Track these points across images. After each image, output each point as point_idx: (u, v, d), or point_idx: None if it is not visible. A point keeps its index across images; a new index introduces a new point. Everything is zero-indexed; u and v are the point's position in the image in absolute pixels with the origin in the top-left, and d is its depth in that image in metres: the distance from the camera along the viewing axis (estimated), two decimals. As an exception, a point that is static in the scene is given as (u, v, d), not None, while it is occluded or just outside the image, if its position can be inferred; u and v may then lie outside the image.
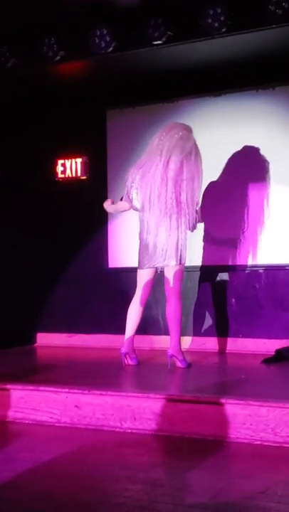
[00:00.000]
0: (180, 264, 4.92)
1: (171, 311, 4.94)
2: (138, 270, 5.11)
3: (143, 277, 5.10)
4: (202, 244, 6.02)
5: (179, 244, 4.90)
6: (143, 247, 5.02)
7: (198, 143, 5.98)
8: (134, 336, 5.16)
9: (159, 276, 5.13)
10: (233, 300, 5.99)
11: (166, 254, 4.90)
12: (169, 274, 4.96)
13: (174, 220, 4.87)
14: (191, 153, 4.93)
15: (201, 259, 6.05)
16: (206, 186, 6.01)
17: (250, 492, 2.72)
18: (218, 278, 6.05)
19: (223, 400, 3.64)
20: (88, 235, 6.56)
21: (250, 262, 5.91)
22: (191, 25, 4.98)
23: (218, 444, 3.50)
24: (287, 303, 5.79)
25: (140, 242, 5.04)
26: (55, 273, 6.71)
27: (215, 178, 6.03)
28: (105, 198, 6.29)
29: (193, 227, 4.99)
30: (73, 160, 6.66)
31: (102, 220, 6.41)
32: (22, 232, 6.67)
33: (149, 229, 4.98)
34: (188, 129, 5.03)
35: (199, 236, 6.01)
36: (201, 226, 5.98)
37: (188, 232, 5.01)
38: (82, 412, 3.94)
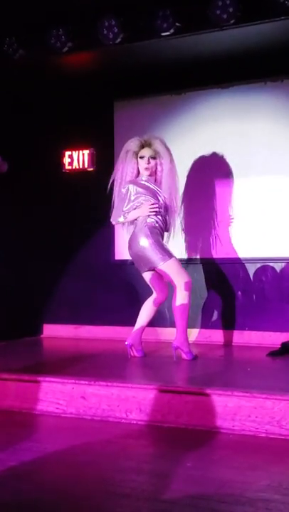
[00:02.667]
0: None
1: (178, 304, 4.94)
2: None
3: (145, 279, 5.17)
4: (209, 237, 6.02)
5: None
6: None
7: (206, 135, 6.03)
8: (143, 330, 5.17)
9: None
10: (240, 293, 5.99)
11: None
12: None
13: None
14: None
15: (207, 252, 6.05)
16: (215, 177, 6.02)
17: (254, 484, 2.73)
18: (224, 271, 6.04)
19: (228, 392, 3.65)
20: (95, 227, 6.55)
21: (257, 255, 5.90)
22: (199, 16, 4.95)
23: (223, 436, 3.51)
24: (293, 296, 5.79)
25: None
26: (62, 265, 6.72)
27: (223, 170, 6.01)
28: (112, 189, 6.30)
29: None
30: (80, 151, 6.65)
31: (108, 212, 6.39)
32: (28, 224, 6.68)
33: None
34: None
35: (206, 229, 6.01)
36: (205, 219, 6.00)
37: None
38: (88, 402, 3.96)
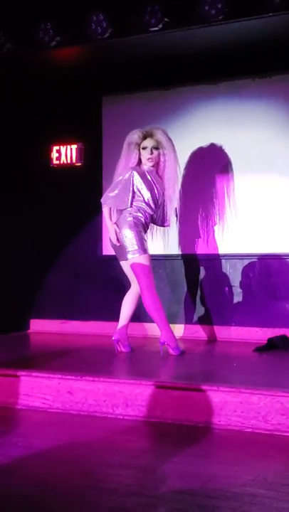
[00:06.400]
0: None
1: (145, 305, 4.95)
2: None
3: (123, 268, 5.22)
4: (195, 232, 6.03)
5: None
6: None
7: (194, 131, 6.03)
8: (128, 324, 5.18)
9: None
10: (227, 288, 6.00)
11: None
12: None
13: None
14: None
15: (195, 248, 6.06)
16: (202, 173, 6.03)
17: (240, 479, 2.74)
18: (211, 266, 6.06)
19: (214, 388, 3.66)
20: (82, 222, 6.55)
21: (244, 251, 5.92)
22: (188, 12, 4.95)
23: (209, 431, 3.52)
24: (280, 292, 5.81)
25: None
26: (49, 260, 6.71)
27: (211, 166, 6.02)
28: (100, 184, 6.29)
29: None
30: (68, 146, 6.63)
31: (96, 206, 6.37)
32: (16, 219, 6.65)
33: None
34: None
35: (192, 225, 6.02)
36: (193, 214, 6.01)
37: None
38: (74, 397, 3.96)
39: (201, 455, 3.13)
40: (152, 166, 5.09)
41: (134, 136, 5.08)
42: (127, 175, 5.03)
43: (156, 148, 5.05)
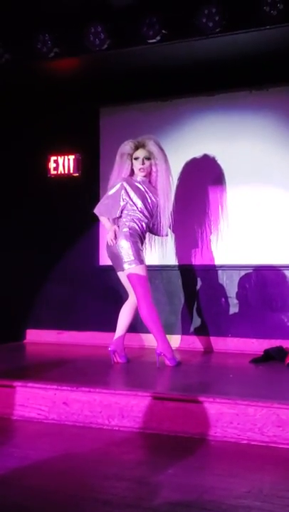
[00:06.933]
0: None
1: (142, 316, 4.95)
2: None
3: (120, 279, 5.22)
4: (192, 243, 6.03)
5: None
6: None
7: (192, 143, 6.05)
8: (124, 335, 5.18)
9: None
10: (223, 299, 6.00)
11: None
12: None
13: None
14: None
15: (191, 259, 6.07)
16: (199, 184, 6.04)
17: (235, 491, 2.74)
18: (208, 277, 6.06)
19: (210, 399, 3.66)
20: (79, 233, 6.55)
21: (240, 262, 5.92)
22: (185, 24, 4.98)
23: (205, 443, 3.52)
24: (276, 303, 5.82)
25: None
26: (46, 270, 6.70)
27: (208, 177, 6.04)
28: (97, 195, 6.31)
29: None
30: (66, 157, 6.65)
31: (93, 217, 6.39)
32: (13, 228, 6.66)
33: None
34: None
35: (191, 236, 6.03)
36: (190, 225, 6.02)
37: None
38: (70, 408, 3.95)
39: (197, 467, 3.12)
40: (144, 176, 5.12)
41: (126, 146, 5.12)
42: (117, 185, 5.08)
43: (148, 158, 5.09)
